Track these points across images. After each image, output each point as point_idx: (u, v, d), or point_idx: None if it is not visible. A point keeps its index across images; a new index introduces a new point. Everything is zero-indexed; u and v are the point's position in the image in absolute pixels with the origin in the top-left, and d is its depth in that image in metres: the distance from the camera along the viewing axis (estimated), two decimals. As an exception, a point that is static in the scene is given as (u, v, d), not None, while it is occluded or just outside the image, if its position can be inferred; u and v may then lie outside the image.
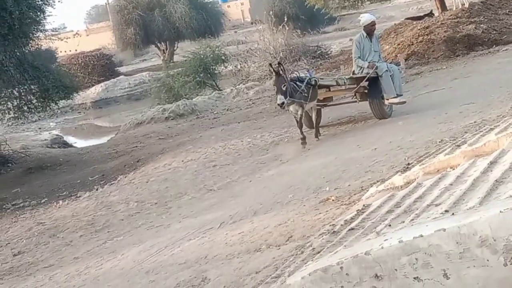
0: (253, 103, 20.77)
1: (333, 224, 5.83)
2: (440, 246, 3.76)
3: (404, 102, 12.61)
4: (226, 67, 26.16)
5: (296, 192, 8.32)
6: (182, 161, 12.68)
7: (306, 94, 11.62)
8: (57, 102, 19.85)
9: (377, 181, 7.33)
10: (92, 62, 42.13)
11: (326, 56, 27.38)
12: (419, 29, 21.88)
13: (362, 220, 5.02)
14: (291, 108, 11.62)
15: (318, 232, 5.93)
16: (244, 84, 23.97)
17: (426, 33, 21.27)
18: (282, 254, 5.73)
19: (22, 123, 26.00)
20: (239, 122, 17.32)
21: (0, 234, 10.39)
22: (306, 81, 11.72)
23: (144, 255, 7.34)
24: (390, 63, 13.52)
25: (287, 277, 4.60)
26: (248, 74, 24.93)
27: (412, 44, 21.08)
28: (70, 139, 25.17)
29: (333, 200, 7.32)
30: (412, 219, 4.39)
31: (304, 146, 11.41)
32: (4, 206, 12.76)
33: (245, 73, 25.22)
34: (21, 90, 19.08)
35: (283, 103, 11.10)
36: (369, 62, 12.58)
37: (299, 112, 11.68)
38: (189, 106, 21.14)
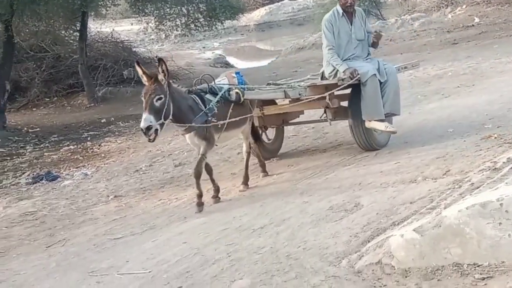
0: (417, 34, 20.28)
1: (494, 161, 5.68)
2: None
3: (394, 132, 7.82)
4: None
5: (456, 127, 8.13)
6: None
7: (218, 116, 7.08)
8: (223, 22, 20.23)
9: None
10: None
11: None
12: None
13: (526, 159, 4.85)
14: (188, 139, 7.20)
15: (478, 168, 5.79)
16: (409, 15, 23.38)
17: None
18: (438, 187, 5.65)
19: (187, 41, 26.83)
20: (401, 53, 16.99)
21: (163, 146, 10.89)
22: (221, 93, 7.27)
23: (299, 176, 7.47)
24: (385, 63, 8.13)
25: (442, 209, 4.55)
26: (414, 5, 24.27)
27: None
28: (231, 60, 25.65)
29: (495, 137, 7.10)
30: None
31: (199, 209, 6.94)
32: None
33: (411, 3, 24.55)
34: (190, 8, 19.61)
35: (149, 127, 6.48)
36: (347, 65, 7.75)
37: (203, 148, 7.06)
38: (352, 34, 20.92)
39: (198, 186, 6.96)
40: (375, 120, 7.61)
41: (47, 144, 13.11)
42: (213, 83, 7.40)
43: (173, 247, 5.88)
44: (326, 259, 4.71)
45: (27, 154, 12.32)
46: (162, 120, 6.59)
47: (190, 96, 7.10)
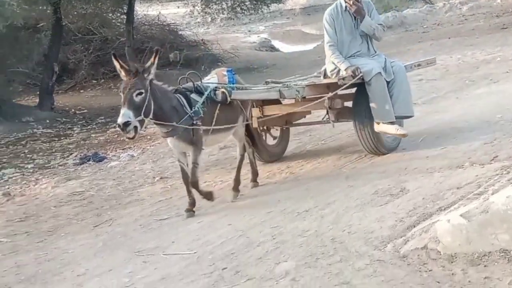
0: (465, 19, 20.02)
1: (543, 147, 5.60)
2: None
3: (405, 135, 7.22)
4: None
5: (505, 113, 8.01)
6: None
7: (204, 119, 6.58)
8: (269, 5, 20.19)
9: None
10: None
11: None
12: None
13: None
14: (170, 143, 6.67)
15: (527, 154, 5.72)
16: (458, -2, 23.06)
17: None
18: (486, 172, 5.59)
19: (233, 24, 26.85)
20: (449, 38, 16.80)
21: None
22: (207, 94, 6.70)
23: (344, 160, 7.46)
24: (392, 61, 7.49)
25: (490, 195, 4.51)
26: (463, -12, 23.90)
27: None
28: (277, 44, 25.60)
29: (545, 124, 7.00)
30: None
31: (189, 214, 6.55)
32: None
33: (460, -13, 24.19)
34: (236, -9, 19.61)
35: (127, 123, 5.91)
36: (349, 63, 7.22)
37: (192, 155, 6.57)
38: (398, 18, 20.76)
39: (189, 193, 6.60)
40: (384, 123, 7.07)
41: (94, 126, 13.29)
42: (199, 82, 6.88)
43: (218, 229, 5.93)
44: (371, 243, 4.71)
45: (74, 135, 12.50)
46: (142, 116, 6.05)
47: (175, 95, 6.54)
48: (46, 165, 10.25)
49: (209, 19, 21.09)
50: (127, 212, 7.19)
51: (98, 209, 7.45)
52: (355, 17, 7.41)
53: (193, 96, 6.65)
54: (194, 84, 6.75)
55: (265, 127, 8.05)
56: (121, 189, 8.16)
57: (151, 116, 6.17)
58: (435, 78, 11.60)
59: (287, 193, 6.61)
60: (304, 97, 7.40)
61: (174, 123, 6.36)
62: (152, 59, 6.22)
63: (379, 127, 7.08)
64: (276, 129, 8.28)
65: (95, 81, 18.49)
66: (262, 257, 4.93)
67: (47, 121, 13.89)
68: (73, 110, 15.22)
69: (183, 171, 6.64)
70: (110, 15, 18.98)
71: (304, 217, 5.65)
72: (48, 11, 15.16)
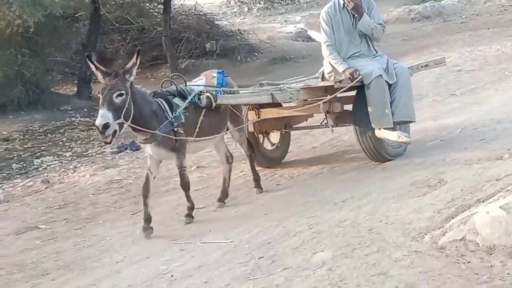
0: (505, 9, 19.73)
1: None
2: None
3: (407, 143, 6.92)
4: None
5: (545, 104, 7.93)
6: (425, 63, 12.43)
7: (186, 125, 6.21)
8: (305, -5, 20.14)
9: None
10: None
11: None
12: None
13: None
14: (150, 150, 6.18)
15: None
16: (497, -11, 22.75)
17: None
18: (526, 164, 5.54)
19: (269, 14, 26.73)
20: (488, 29, 16.58)
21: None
22: (190, 98, 6.31)
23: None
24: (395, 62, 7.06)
25: (530, 187, 4.47)
26: (503, -21, 23.57)
27: None
28: (313, 34, 25.47)
29: None
30: None
31: (188, 221, 6.26)
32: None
33: (499, -23, 23.86)
34: (273, -19, 19.59)
35: (106, 125, 5.48)
36: (348, 65, 6.82)
37: (177, 161, 6.25)
38: (436, 8, 20.55)
39: (189, 198, 6.31)
40: (384, 129, 6.66)
41: (131, 115, 13.36)
42: (182, 85, 6.47)
43: (255, 218, 5.96)
44: (409, 234, 4.68)
45: (111, 124, 12.58)
46: (122, 119, 5.62)
47: (155, 100, 6.13)
48: (84, 154, 10.38)
49: (246, 9, 21.13)
50: (164, 201, 7.24)
51: (136, 197, 7.50)
52: (353, 15, 6.99)
53: (176, 100, 6.25)
54: (177, 88, 6.35)
55: (263, 131, 7.69)
56: (158, 177, 8.21)
57: (129, 121, 5.74)
58: (473, 69, 11.48)
59: (324, 184, 6.60)
60: (306, 100, 7.03)
61: (154, 130, 5.93)
62: (133, 59, 5.77)
63: (379, 133, 6.68)
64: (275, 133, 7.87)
65: (132, 71, 18.60)
66: (298, 246, 4.93)
67: (85, 109, 14.04)
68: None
69: (147, 180, 6.17)
70: (148, 4, 19.11)
71: (341, 208, 5.64)
72: (87, 0, 15.29)
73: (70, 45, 16.64)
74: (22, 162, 10.51)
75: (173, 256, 5.38)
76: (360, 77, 6.67)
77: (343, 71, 6.77)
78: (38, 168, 10.00)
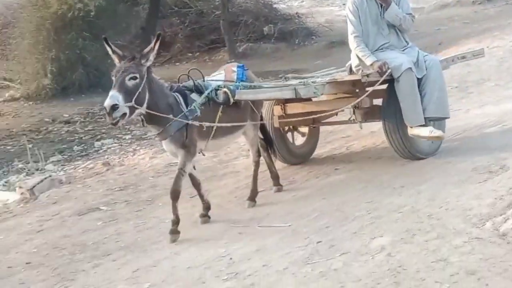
0: None
1: None
2: None
3: (441, 138, 6.54)
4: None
5: None
6: (487, 47, 12.21)
7: (202, 121, 5.81)
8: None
9: None
10: None
11: None
12: None
13: None
14: (165, 146, 5.97)
15: None
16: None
17: None
18: None
19: (328, -3, 26.58)
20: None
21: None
22: (206, 93, 5.97)
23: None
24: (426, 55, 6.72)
25: None
26: None
27: None
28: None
29: None
30: None
31: (174, 238, 5.66)
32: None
33: None
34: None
35: (114, 107, 5.29)
36: (376, 57, 6.47)
37: (180, 159, 5.83)
38: (500, -9, 20.11)
39: (175, 209, 5.75)
40: (416, 126, 6.33)
41: (189, 98, 13.46)
42: (200, 80, 6.14)
43: (313, 202, 5.96)
44: (469, 221, 4.64)
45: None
46: (133, 103, 5.36)
47: (172, 93, 5.87)
48: (143, 137, 10.51)
49: (303, -8, 21.02)
50: (222, 184, 7.29)
51: (195, 180, 7.57)
52: (381, 5, 6.62)
53: (193, 96, 5.95)
54: (194, 82, 6.06)
55: (290, 127, 7.38)
56: (216, 161, 8.25)
57: (144, 107, 5.48)
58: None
59: (383, 168, 6.56)
60: (336, 94, 6.79)
61: (167, 124, 5.67)
62: (152, 44, 5.54)
63: (412, 131, 6.34)
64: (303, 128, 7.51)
65: (191, 54, 18.74)
66: (357, 231, 4.93)
67: (144, 92, 14.17)
68: (169, 82, 15.44)
69: (178, 179, 5.78)
70: (206, -12, 19.18)
71: (400, 193, 5.61)
72: (146, -16, 15.46)
73: (129, 29, 16.82)
74: (83, 145, 10.71)
75: (231, 239, 5.43)
76: (390, 70, 6.33)
77: (371, 64, 6.45)
78: (98, 150, 10.17)
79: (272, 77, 13.98)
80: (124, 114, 5.33)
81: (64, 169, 9.17)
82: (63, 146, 10.69)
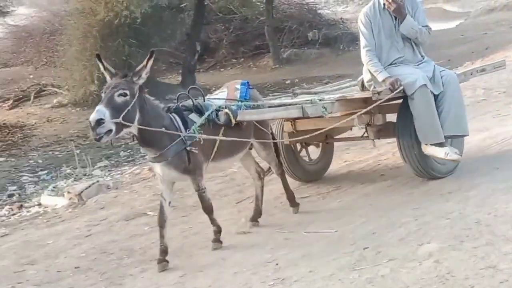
0: None
1: None
2: None
3: (457, 161, 6.21)
4: None
5: None
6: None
7: (202, 144, 5.55)
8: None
9: None
10: None
11: None
12: None
13: None
14: (160, 170, 5.57)
15: None
16: None
17: None
18: None
19: (372, 2, 26.47)
20: None
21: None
22: (206, 115, 5.63)
23: (489, 142, 7.25)
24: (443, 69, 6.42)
25: None
26: None
27: None
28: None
29: None
30: None
31: (216, 247, 5.63)
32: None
33: None
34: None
35: (99, 122, 5.03)
36: (388, 73, 6.15)
37: (194, 184, 5.67)
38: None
39: (213, 221, 5.70)
40: (432, 144, 6.06)
41: (234, 104, 13.50)
42: (199, 99, 5.82)
43: (359, 208, 5.95)
44: (519, 228, 4.58)
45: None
46: (121, 120, 5.09)
47: (168, 115, 5.55)
48: (189, 143, 10.56)
49: (348, -2, 20.96)
50: (268, 190, 7.26)
51: (240, 185, 7.59)
52: (395, 17, 6.32)
53: (192, 116, 5.62)
54: (193, 102, 5.72)
55: (302, 143, 7.10)
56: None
57: (135, 125, 5.23)
58: None
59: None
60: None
61: (163, 148, 5.39)
62: (144, 62, 5.30)
63: (427, 149, 6.05)
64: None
65: (235, 60, 18.82)
66: (404, 237, 4.91)
67: (190, 99, 14.27)
68: (213, 88, 15.54)
69: (161, 208, 5.65)
70: (251, -6, 19.23)
71: (448, 199, 5.57)
72: (191, -9, 15.57)
73: (175, 35, 16.95)
74: (129, 150, 10.83)
75: (277, 245, 5.44)
76: (402, 87, 6.03)
77: (383, 80, 6.15)
78: (144, 156, 10.24)
79: (316, 82, 14.01)
80: (110, 130, 5.09)
81: (111, 174, 9.29)
82: (110, 151, 10.81)
